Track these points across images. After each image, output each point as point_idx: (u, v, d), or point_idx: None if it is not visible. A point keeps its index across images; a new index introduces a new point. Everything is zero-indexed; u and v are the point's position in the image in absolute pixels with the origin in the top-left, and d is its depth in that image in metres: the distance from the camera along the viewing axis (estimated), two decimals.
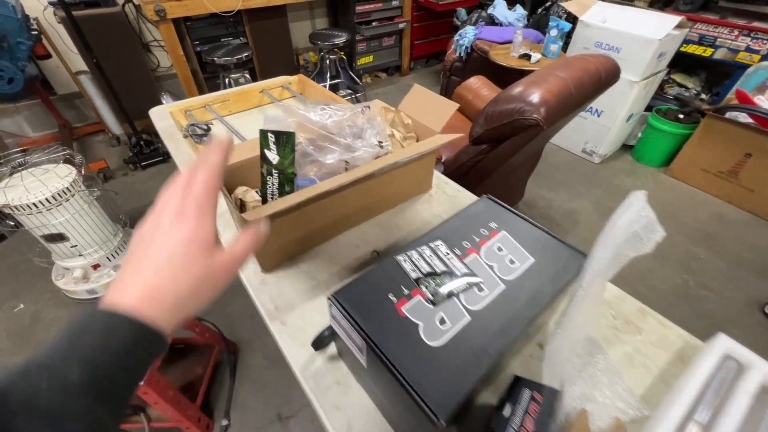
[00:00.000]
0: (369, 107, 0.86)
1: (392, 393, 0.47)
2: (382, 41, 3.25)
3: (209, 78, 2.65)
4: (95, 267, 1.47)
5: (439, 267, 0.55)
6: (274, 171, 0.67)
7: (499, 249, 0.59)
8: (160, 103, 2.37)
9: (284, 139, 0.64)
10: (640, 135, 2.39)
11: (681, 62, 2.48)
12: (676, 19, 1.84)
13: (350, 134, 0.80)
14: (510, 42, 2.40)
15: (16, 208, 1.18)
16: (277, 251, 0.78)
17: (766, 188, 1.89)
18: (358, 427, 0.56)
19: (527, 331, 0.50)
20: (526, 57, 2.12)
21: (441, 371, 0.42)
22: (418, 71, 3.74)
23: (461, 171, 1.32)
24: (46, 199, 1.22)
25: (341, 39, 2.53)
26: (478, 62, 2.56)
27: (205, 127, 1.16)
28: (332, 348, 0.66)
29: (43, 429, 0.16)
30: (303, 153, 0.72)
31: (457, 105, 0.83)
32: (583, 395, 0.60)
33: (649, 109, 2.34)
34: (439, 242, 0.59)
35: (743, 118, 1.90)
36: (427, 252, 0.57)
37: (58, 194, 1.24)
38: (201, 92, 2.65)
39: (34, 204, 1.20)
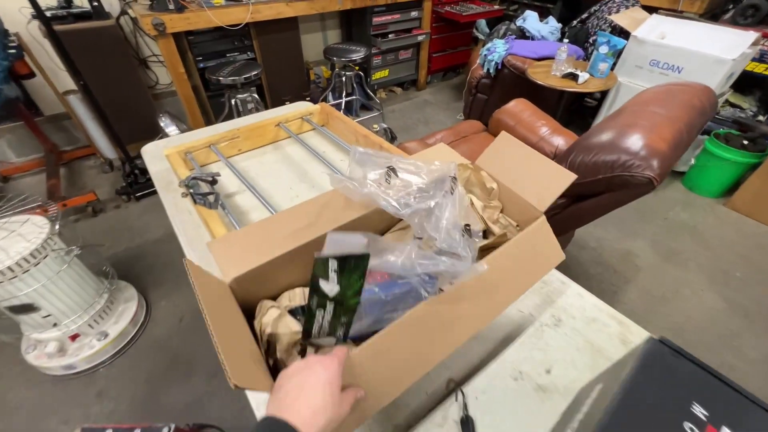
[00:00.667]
0: (437, 164, 0.60)
1: None
2: (398, 54, 3.02)
3: (213, 96, 2.41)
4: (74, 337, 1.21)
5: None
6: (329, 303, 0.42)
7: None
8: (157, 125, 2.12)
9: (352, 265, 0.39)
10: (692, 162, 2.14)
11: (735, 82, 2.24)
12: (752, 35, 1.60)
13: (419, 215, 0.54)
14: (547, 58, 2.16)
15: None
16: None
17: None
18: None
19: None
20: (572, 77, 1.88)
21: None
22: (435, 85, 3.50)
23: None
24: (9, 268, 0.96)
25: (359, 54, 2.30)
26: (510, 80, 2.32)
27: (210, 179, 0.91)
28: None
29: None
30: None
31: (574, 176, 0.58)
32: None
33: (704, 132, 2.09)
34: None
35: None
36: None
37: (25, 259, 0.99)
38: (203, 112, 2.40)
39: None
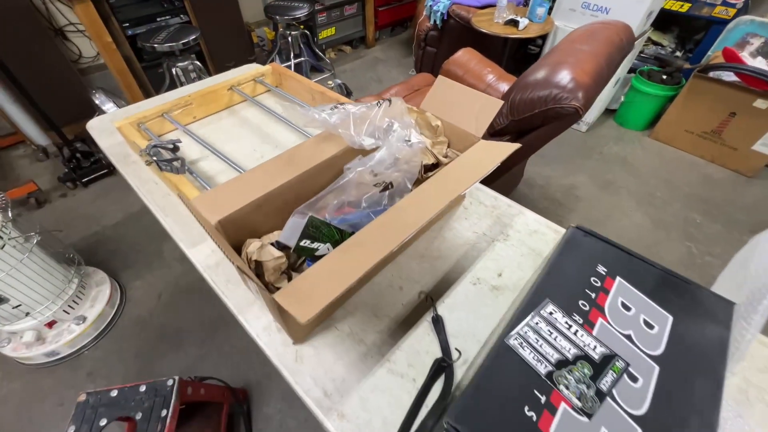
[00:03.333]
0: (390, 102, 0.68)
1: None
2: (344, 10, 2.91)
3: (148, 67, 2.23)
4: (50, 324, 1.20)
5: (568, 349, 0.42)
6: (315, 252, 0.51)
7: (625, 306, 0.46)
8: (91, 102, 1.95)
9: (318, 232, 0.48)
10: (622, 99, 2.35)
11: (656, 20, 2.43)
12: None
13: (369, 134, 0.63)
14: (491, 6, 2.21)
15: None
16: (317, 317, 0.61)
17: (748, 146, 1.94)
18: None
19: None
20: (513, 23, 1.95)
21: None
22: (385, 41, 3.44)
23: None
24: None
25: (303, 11, 2.20)
26: (457, 30, 2.36)
27: (172, 146, 0.91)
28: None
29: None
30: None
31: (501, 102, 0.67)
32: None
33: (631, 71, 2.29)
34: (550, 307, 0.46)
35: (727, 77, 1.90)
36: (544, 327, 0.44)
37: None
38: (140, 84, 2.23)
39: None
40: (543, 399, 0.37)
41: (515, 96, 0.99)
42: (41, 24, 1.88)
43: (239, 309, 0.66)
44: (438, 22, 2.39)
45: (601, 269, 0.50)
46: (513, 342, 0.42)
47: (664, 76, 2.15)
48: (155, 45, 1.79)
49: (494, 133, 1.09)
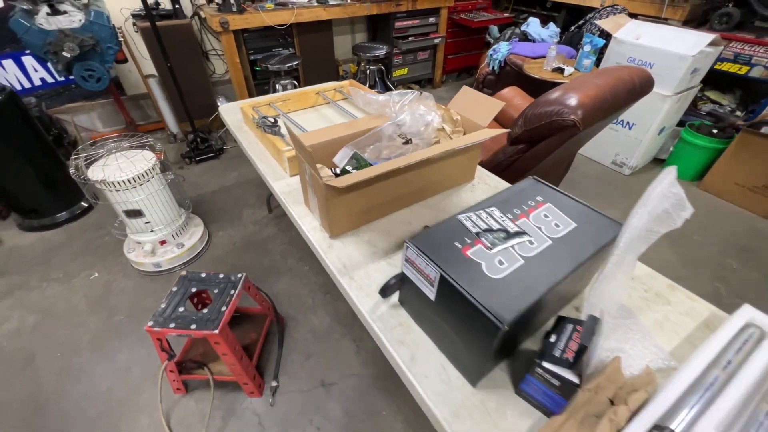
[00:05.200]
0: (421, 92, 1.01)
1: (458, 315, 0.57)
2: (417, 55, 3.43)
3: (258, 84, 2.89)
4: (162, 243, 1.65)
5: (495, 226, 0.66)
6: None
7: (546, 216, 0.69)
8: (215, 105, 2.61)
9: (359, 163, 0.79)
10: (672, 149, 2.42)
11: (716, 80, 2.51)
12: (710, 36, 1.90)
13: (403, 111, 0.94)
14: (543, 57, 2.51)
15: (110, 184, 1.38)
16: (344, 220, 0.91)
17: None
18: (419, 358, 0.66)
19: (571, 278, 0.59)
20: (560, 70, 2.22)
21: (501, 295, 0.53)
22: (450, 84, 3.89)
23: (498, 169, 1.42)
24: (134, 178, 1.41)
25: (381, 51, 2.72)
26: (511, 76, 2.68)
27: (273, 120, 1.33)
28: (393, 298, 0.77)
29: None
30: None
31: (503, 103, 0.95)
32: (617, 348, 0.69)
33: (681, 124, 2.37)
34: (493, 208, 0.70)
35: None
36: (484, 215, 0.69)
37: (142, 175, 1.43)
38: (250, 96, 2.88)
39: (124, 181, 1.39)
40: (468, 241, 0.62)
41: (529, 111, 1.25)
42: (197, 47, 2.61)
43: (300, 216, 0.99)
44: (495, 68, 2.74)
45: (539, 197, 0.73)
46: (460, 217, 0.67)
47: (715, 131, 2.20)
48: (268, 66, 2.38)
49: (512, 141, 1.35)
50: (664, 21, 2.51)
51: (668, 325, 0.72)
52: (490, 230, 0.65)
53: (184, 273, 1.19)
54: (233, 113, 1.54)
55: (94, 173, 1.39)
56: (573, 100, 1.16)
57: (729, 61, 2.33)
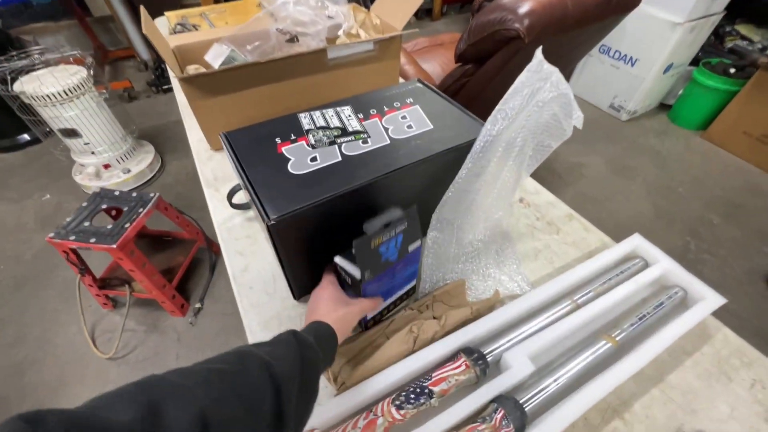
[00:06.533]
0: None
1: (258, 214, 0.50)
2: None
3: None
4: (106, 167, 1.63)
5: (334, 123, 0.56)
6: None
7: (404, 117, 0.58)
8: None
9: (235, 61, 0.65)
10: (680, 92, 2.13)
11: (751, 10, 2.13)
12: None
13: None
14: None
15: (33, 98, 1.32)
16: (225, 130, 0.82)
17: None
18: (253, 269, 0.61)
19: (396, 179, 0.50)
20: None
21: (289, 191, 0.45)
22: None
23: (447, 95, 1.27)
24: (60, 93, 1.34)
25: None
26: None
27: (192, 27, 1.20)
28: (251, 213, 0.70)
29: (292, 353, 0.33)
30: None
31: (420, 1, 0.79)
32: (473, 271, 0.61)
33: (696, 63, 2.06)
34: (346, 107, 0.60)
35: None
36: (330, 112, 0.58)
37: (69, 90, 1.36)
38: None
39: (47, 96, 1.32)
40: (293, 137, 0.53)
41: (474, 20, 1.07)
42: None
43: (189, 128, 0.89)
44: None
45: (410, 100, 0.62)
46: (300, 115, 0.57)
47: (732, 70, 1.90)
48: None
49: (458, 58, 1.18)
50: None
51: (546, 253, 0.63)
52: (325, 128, 0.55)
53: (96, 190, 1.16)
54: (164, 29, 1.40)
55: (18, 86, 1.33)
56: (522, 7, 0.97)
57: None
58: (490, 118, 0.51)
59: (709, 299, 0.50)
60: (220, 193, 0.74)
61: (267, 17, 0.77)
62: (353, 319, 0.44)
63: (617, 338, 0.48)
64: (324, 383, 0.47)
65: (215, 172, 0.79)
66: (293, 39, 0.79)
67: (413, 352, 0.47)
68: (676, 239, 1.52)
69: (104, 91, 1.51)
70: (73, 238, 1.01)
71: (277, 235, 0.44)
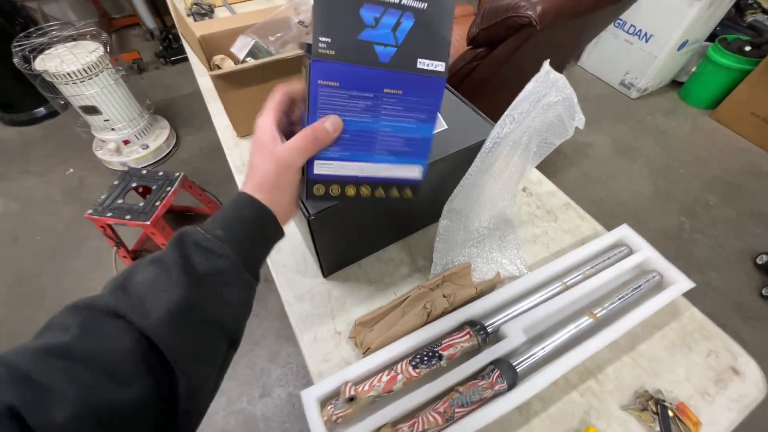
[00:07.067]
0: None
1: None
2: None
3: None
4: (126, 142, 1.69)
5: None
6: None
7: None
8: None
9: (260, 53, 0.69)
10: (693, 70, 2.10)
11: None
12: None
13: None
14: None
15: (55, 76, 1.36)
16: (251, 119, 0.87)
17: None
18: (285, 250, 0.70)
19: None
20: None
21: None
22: None
23: (456, 79, 1.30)
24: (80, 71, 1.38)
25: None
26: None
27: (207, 8, 1.21)
28: None
29: (202, 256, 0.25)
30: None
31: None
32: (478, 255, 0.69)
33: (712, 38, 2.02)
34: None
35: None
36: None
37: (89, 67, 1.39)
38: None
39: (69, 74, 1.36)
40: None
41: (488, 4, 1.07)
42: None
43: (214, 114, 0.95)
44: None
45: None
46: None
47: (748, 48, 1.87)
48: None
49: (470, 41, 1.19)
50: None
51: (544, 239, 0.71)
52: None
53: (125, 169, 1.23)
54: (180, 2, 1.41)
55: (40, 65, 1.36)
56: None
57: None
58: (499, 122, 0.57)
59: (680, 283, 0.58)
60: None
61: (290, 9, 0.81)
62: (287, 171, 0.30)
63: (598, 315, 0.57)
64: (353, 347, 0.56)
65: (243, 158, 0.86)
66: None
67: (427, 323, 0.56)
68: (672, 219, 1.59)
69: (120, 68, 1.53)
70: (110, 214, 1.10)
71: (314, 227, 0.51)
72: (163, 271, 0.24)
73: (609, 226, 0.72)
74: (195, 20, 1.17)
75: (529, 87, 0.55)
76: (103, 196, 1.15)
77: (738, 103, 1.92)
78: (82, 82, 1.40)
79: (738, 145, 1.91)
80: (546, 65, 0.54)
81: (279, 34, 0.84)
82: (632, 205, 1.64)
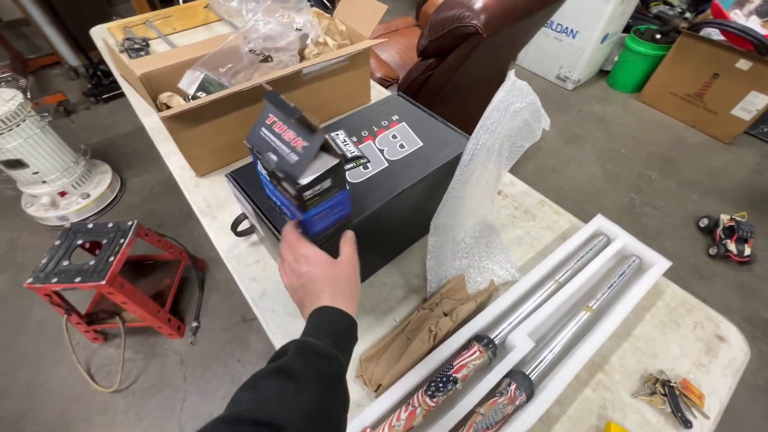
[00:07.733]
0: (302, 8, 0.86)
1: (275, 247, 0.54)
2: None
3: (165, 0, 2.46)
4: (62, 194, 1.52)
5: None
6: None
7: (394, 137, 0.63)
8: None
9: (211, 86, 0.65)
10: (616, 59, 2.32)
11: None
12: None
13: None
14: None
15: None
16: (207, 157, 0.82)
17: (728, 110, 1.90)
18: (270, 293, 0.65)
19: (397, 203, 0.55)
20: None
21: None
22: None
23: (412, 89, 1.31)
24: None
25: None
26: None
27: (143, 42, 1.13)
28: (254, 237, 0.73)
29: (325, 363, 0.30)
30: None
31: (384, 6, 0.82)
32: (469, 266, 0.69)
33: (628, 30, 2.24)
34: (340, 132, 0.64)
35: (717, 35, 1.84)
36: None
37: (7, 118, 1.24)
38: None
39: None
40: None
41: (433, 16, 1.10)
42: None
43: (167, 155, 0.88)
44: None
45: (395, 117, 0.67)
46: None
47: (658, 36, 2.09)
48: None
49: (421, 53, 1.22)
50: None
51: (527, 239, 0.73)
52: None
53: (67, 225, 1.10)
54: (106, 38, 1.30)
55: None
56: (477, 2, 1.02)
57: None
58: (473, 134, 0.57)
59: (659, 264, 0.62)
60: (217, 220, 0.76)
61: (239, 38, 0.77)
62: (353, 277, 0.39)
63: (593, 307, 0.58)
64: (362, 386, 0.53)
65: (207, 199, 0.80)
66: (267, 59, 0.80)
67: (434, 347, 0.54)
68: (623, 197, 1.72)
69: (45, 113, 1.38)
70: (55, 280, 0.97)
71: None
72: (292, 379, 0.28)
73: (577, 214, 0.76)
74: (130, 56, 1.09)
75: (498, 97, 0.56)
76: (44, 260, 1.02)
77: (658, 85, 2.14)
78: (1, 134, 1.25)
79: (664, 123, 2.12)
80: (511, 75, 0.55)
81: (230, 65, 0.80)
82: (587, 188, 1.76)
